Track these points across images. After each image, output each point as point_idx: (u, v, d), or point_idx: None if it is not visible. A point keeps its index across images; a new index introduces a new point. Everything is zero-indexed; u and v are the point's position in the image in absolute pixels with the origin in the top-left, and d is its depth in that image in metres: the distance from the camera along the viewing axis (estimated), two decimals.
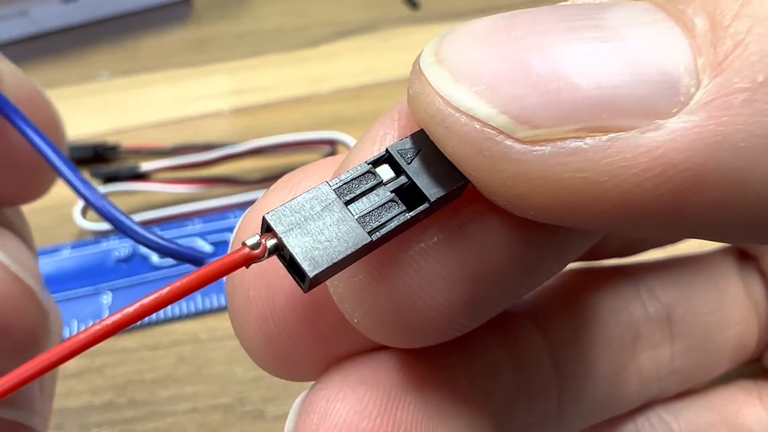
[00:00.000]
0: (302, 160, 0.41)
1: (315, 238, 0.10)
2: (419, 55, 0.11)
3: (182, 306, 0.33)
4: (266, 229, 0.11)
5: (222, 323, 0.33)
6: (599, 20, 0.10)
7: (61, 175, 0.16)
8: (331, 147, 0.41)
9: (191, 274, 0.10)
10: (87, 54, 0.51)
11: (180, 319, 0.33)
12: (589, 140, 0.09)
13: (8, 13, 0.49)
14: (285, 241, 0.10)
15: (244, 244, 0.10)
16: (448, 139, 0.10)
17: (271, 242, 0.11)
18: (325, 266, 0.10)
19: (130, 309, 0.10)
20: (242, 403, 0.29)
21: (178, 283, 0.10)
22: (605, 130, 0.09)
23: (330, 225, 0.11)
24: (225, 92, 0.48)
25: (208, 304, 0.33)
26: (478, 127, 0.10)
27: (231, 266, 0.10)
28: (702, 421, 0.21)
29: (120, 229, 0.16)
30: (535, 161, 0.10)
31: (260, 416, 0.29)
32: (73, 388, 0.30)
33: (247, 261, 0.10)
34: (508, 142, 0.10)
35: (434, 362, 0.14)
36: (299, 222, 0.11)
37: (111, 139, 0.43)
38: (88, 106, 0.47)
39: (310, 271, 0.10)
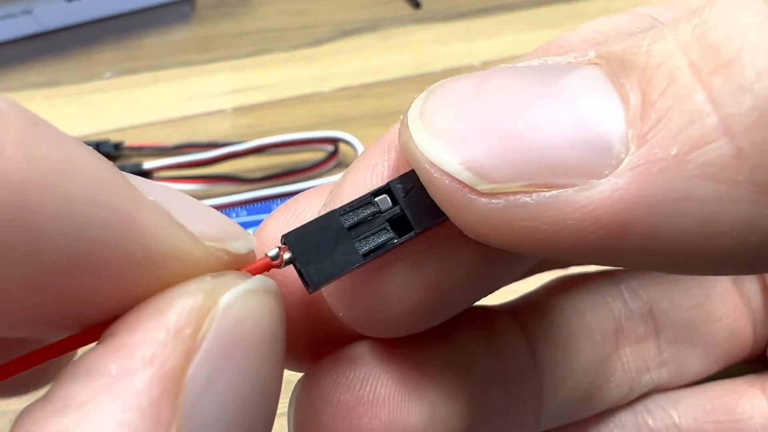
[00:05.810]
0: (304, 159, 0.41)
1: (321, 254, 0.13)
2: (408, 107, 0.13)
3: None
4: (284, 243, 0.14)
5: None
6: (556, 87, 0.12)
7: None
8: (333, 145, 0.41)
9: None
10: (90, 52, 0.51)
11: None
12: (534, 195, 0.11)
13: (12, 11, 0.50)
14: (296, 259, 0.13)
15: (266, 255, 0.13)
16: (427, 183, 0.13)
17: (287, 255, 0.13)
18: (324, 282, 0.14)
19: None
20: None
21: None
22: (549, 187, 0.11)
23: (333, 245, 0.14)
24: (227, 91, 0.48)
25: None
26: (447, 181, 0.12)
27: (257, 270, 0.13)
28: (701, 409, 0.21)
29: None
30: (491, 211, 0.12)
31: None
32: None
33: (269, 267, 0.14)
34: (471, 195, 0.12)
35: (412, 348, 0.16)
36: (309, 241, 0.13)
37: (114, 137, 0.43)
38: (92, 105, 0.47)
39: (313, 284, 0.13)
